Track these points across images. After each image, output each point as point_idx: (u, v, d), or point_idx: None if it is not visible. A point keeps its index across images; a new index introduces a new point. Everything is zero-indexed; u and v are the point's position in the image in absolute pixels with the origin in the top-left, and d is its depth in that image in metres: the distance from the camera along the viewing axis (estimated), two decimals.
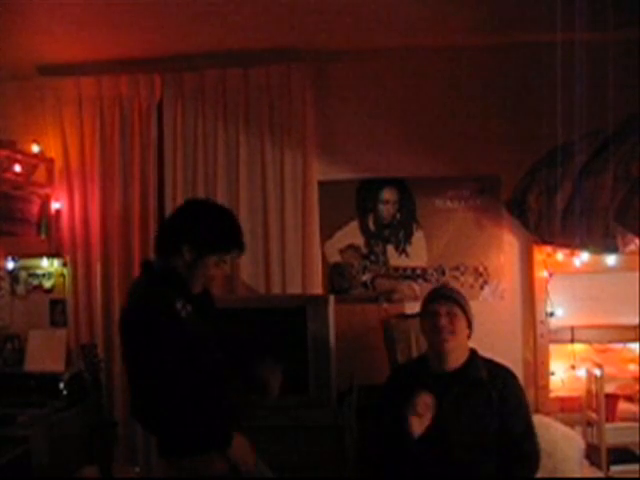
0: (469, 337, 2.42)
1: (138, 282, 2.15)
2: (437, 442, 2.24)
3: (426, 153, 3.39)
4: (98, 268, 3.47)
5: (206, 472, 2.00)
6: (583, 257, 3.15)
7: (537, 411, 3.20)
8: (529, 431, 2.35)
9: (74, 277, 3.50)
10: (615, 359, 3.27)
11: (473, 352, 2.42)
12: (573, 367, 3.26)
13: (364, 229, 3.46)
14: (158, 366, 1.91)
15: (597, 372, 3.07)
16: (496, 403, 2.29)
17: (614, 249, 2.48)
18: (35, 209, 3.43)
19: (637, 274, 3.06)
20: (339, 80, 3.44)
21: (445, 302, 2.37)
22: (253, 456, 2.06)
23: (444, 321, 2.32)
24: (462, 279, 3.39)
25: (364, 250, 3.46)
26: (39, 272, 3.60)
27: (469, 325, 2.39)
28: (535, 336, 3.27)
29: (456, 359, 2.36)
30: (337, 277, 3.46)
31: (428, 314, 2.40)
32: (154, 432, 2.08)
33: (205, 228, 2.04)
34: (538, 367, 3.25)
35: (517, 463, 2.29)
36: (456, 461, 2.24)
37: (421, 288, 3.40)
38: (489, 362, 2.43)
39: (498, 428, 2.28)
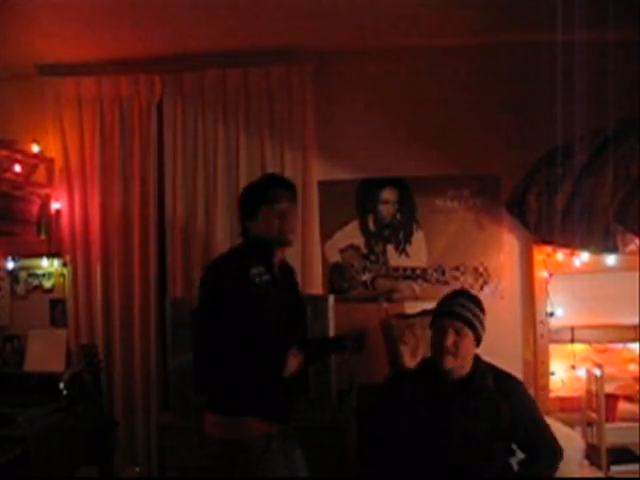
0: (475, 349, 2.34)
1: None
2: (441, 449, 2.22)
3: (426, 153, 3.39)
4: (98, 268, 3.47)
5: (237, 434, 2.09)
6: (583, 257, 3.15)
7: None
8: (546, 433, 2.35)
9: (74, 277, 3.50)
10: (615, 359, 3.27)
11: (477, 359, 2.35)
12: (573, 367, 3.26)
13: (364, 229, 3.46)
14: (218, 320, 2.06)
15: (597, 372, 3.07)
16: (504, 412, 2.26)
17: (614, 249, 2.48)
18: (35, 209, 3.42)
19: (637, 274, 3.06)
20: (339, 80, 3.44)
21: (456, 321, 2.27)
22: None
23: (450, 341, 2.24)
24: (462, 279, 3.39)
25: (364, 250, 3.46)
26: (39, 272, 3.60)
27: (477, 340, 2.31)
28: (535, 336, 3.27)
29: (459, 370, 2.30)
30: (337, 277, 3.46)
31: (437, 326, 2.32)
32: (209, 389, 2.20)
33: (243, 197, 2.28)
34: (538, 367, 3.24)
35: (535, 462, 2.31)
36: (459, 468, 2.23)
37: (421, 288, 3.41)
38: (494, 369, 2.37)
39: (512, 437, 2.28)
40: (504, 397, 2.28)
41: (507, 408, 2.26)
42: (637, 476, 2.95)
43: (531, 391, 3.24)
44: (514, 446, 2.35)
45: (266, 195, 2.20)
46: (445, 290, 3.30)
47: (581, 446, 2.93)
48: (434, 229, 3.43)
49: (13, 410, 3.00)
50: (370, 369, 3.11)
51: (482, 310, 2.34)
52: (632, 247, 2.48)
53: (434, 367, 2.33)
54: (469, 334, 2.27)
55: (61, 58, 3.37)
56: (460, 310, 2.28)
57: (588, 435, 3.13)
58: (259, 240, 2.20)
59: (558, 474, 2.57)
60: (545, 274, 3.26)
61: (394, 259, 3.44)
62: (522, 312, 3.37)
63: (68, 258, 3.51)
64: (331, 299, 3.07)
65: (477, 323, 2.29)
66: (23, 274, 3.61)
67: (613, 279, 3.18)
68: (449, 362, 2.26)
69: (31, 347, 3.44)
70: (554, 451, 2.34)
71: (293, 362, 2.11)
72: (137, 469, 3.39)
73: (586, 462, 2.98)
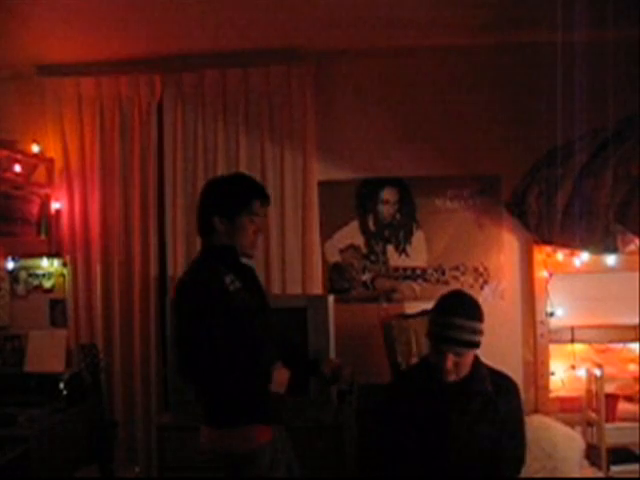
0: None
1: (195, 259, 2.27)
2: (442, 453, 2.21)
3: (426, 153, 3.39)
4: (98, 268, 3.47)
5: (248, 444, 2.06)
6: (583, 257, 3.15)
7: (537, 411, 3.21)
8: (522, 439, 2.34)
9: (74, 277, 3.50)
10: (615, 359, 3.27)
11: (476, 360, 2.30)
12: (573, 367, 3.26)
13: (364, 229, 3.46)
14: (204, 335, 2.02)
15: (597, 372, 3.07)
16: (500, 415, 2.25)
17: (614, 249, 2.47)
18: (35, 209, 3.43)
19: (637, 274, 3.06)
20: (339, 80, 3.44)
21: (455, 346, 2.17)
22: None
23: (449, 364, 2.18)
24: (462, 279, 3.40)
25: (364, 250, 3.46)
26: (39, 272, 3.60)
27: (477, 348, 2.24)
28: (535, 336, 3.27)
29: (458, 376, 2.25)
30: (337, 277, 3.46)
31: (435, 348, 2.23)
32: (205, 404, 2.16)
33: (222, 194, 2.19)
34: (538, 367, 3.25)
35: (504, 465, 2.28)
36: (460, 472, 2.22)
37: (421, 288, 3.41)
38: (491, 371, 2.34)
39: (497, 435, 2.27)
40: (501, 398, 2.27)
41: (502, 408, 2.26)
42: (637, 476, 2.95)
43: (531, 391, 3.26)
44: None
45: (251, 204, 2.15)
46: (445, 290, 3.35)
47: (581, 446, 2.93)
48: (434, 229, 3.43)
49: (13, 410, 3.00)
50: (370, 369, 3.12)
51: (481, 317, 2.24)
52: (632, 247, 2.47)
53: (432, 370, 2.28)
54: (469, 354, 2.22)
55: (61, 58, 3.37)
56: (459, 335, 2.17)
57: (588, 435, 3.13)
58: (227, 247, 2.16)
59: (558, 474, 2.57)
60: (545, 274, 3.27)
61: (394, 259, 3.44)
62: (522, 312, 3.37)
63: (68, 258, 3.51)
64: (331, 299, 3.07)
65: (476, 339, 2.22)
66: (23, 274, 3.61)
67: (613, 279, 3.19)
68: (450, 378, 2.22)
69: (31, 347, 3.43)
70: (519, 458, 2.31)
71: (281, 379, 2.10)
72: (137, 469, 3.39)
73: (586, 462, 2.98)
